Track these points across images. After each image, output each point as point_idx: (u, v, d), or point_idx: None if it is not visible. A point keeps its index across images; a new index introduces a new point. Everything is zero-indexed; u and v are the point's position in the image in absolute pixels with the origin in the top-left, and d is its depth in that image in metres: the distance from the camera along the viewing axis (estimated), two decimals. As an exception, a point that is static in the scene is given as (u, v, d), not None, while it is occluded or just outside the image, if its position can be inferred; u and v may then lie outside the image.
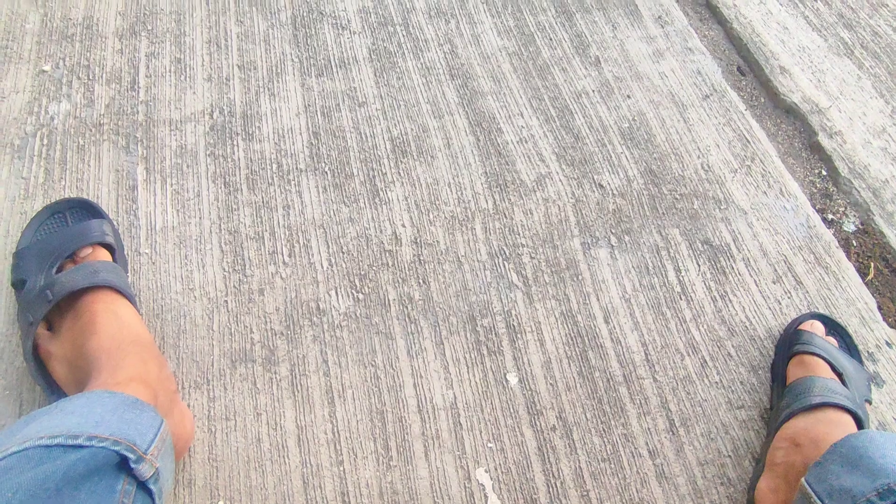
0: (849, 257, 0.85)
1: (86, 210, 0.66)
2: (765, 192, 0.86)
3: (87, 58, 0.83)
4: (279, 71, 0.85)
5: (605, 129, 0.87)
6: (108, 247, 0.63)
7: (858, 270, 0.83)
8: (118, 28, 0.87)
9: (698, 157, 0.87)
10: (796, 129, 0.97)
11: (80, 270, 0.57)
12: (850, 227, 0.89)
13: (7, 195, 0.70)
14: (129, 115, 0.78)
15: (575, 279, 0.73)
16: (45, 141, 0.75)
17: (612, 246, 0.77)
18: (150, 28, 0.87)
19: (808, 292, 0.78)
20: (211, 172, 0.75)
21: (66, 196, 0.70)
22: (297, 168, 0.76)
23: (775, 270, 0.79)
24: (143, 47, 0.85)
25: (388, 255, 0.72)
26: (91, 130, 0.76)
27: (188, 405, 0.59)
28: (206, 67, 0.84)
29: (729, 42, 1.06)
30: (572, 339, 0.69)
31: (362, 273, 0.70)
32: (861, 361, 0.72)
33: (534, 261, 0.74)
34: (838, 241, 0.85)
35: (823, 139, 0.96)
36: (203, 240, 0.70)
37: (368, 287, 0.69)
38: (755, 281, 0.78)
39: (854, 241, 0.88)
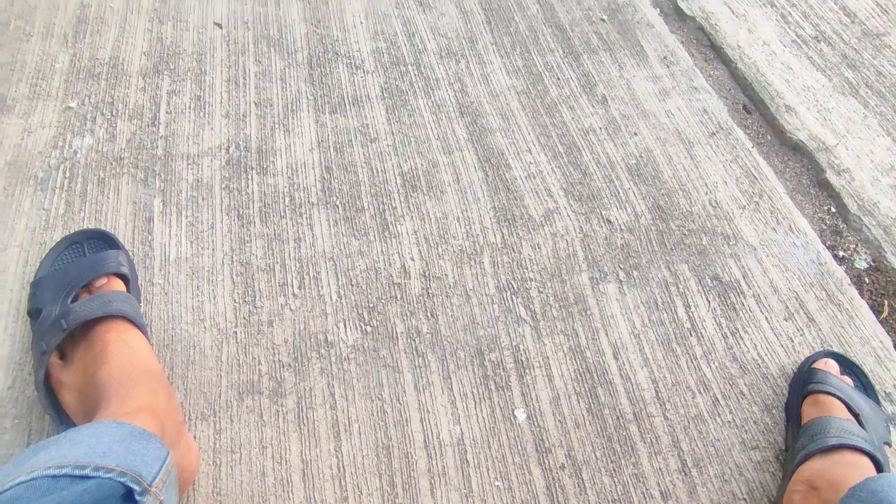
0: (862, 295, 0.84)
1: (103, 241, 0.67)
2: (774, 229, 0.86)
3: (111, 95, 0.86)
4: (294, 108, 0.88)
5: (612, 166, 0.88)
6: (123, 277, 0.64)
7: (872, 308, 0.82)
8: (142, 67, 0.90)
9: (706, 193, 0.88)
10: (804, 166, 0.98)
11: (95, 300, 0.58)
12: (861, 264, 0.88)
13: (28, 226, 0.72)
14: (148, 149, 0.81)
15: (583, 314, 0.73)
16: (68, 174, 0.77)
17: (621, 281, 0.77)
18: (172, 67, 0.91)
19: (821, 330, 0.77)
20: (225, 205, 0.77)
21: (85, 227, 0.72)
22: (308, 201, 0.78)
23: (787, 307, 0.78)
24: (165, 85, 0.88)
25: (396, 287, 0.72)
26: (112, 164, 0.79)
27: (194, 437, 0.59)
28: (225, 104, 0.87)
29: (734, 81, 1.08)
30: (581, 375, 0.69)
31: (371, 306, 0.70)
32: (878, 402, 0.71)
33: (542, 295, 0.74)
34: (850, 278, 0.84)
35: (832, 176, 0.96)
36: (215, 271, 0.71)
37: (377, 320, 0.69)
38: (766, 318, 0.77)
39: (867, 279, 0.87)
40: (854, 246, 0.90)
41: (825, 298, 0.80)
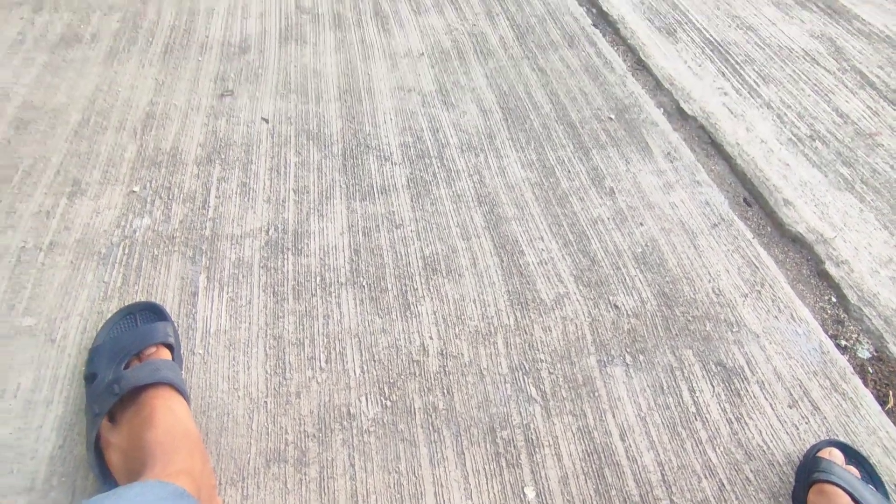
0: (866, 384, 0.86)
1: (153, 312, 0.75)
2: (776, 317, 0.90)
3: (169, 181, 0.97)
4: (328, 195, 0.98)
5: (619, 254, 0.95)
6: (170, 346, 0.71)
7: (877, 398, 0.84)
8: (197, 156, 1.02)
9: (709, 281, 0.93)
10: (803, 257, 1.03)
11: (144, 368, 0.65)
12: (864, 353, 0.91)
13: (89, 296, 0.80)
14: (198, 230, 0.90)
15: (591, 396, 0.77)
16: (126, 251, 0.86)
17: (628, 364, 0.81)
18: (223, 157, 1.03)
19: (825, 418, 0.79)
20: (262, 283, 0.84)
21: (138, 299, 0.80)
22: (338, 281, 0.85)
23: (791, 395, 0.81)
24: (216, 172, 1.00)
25: (415, 365, 0.77)
26: (165, 242, 0.88)
27: (223, 501, 0.63)
28: (267, 190, 0.98)
29: (734, 176, 1.16)
30: (589, 456, 0.72)
31: (391, 381, 0.75)
32: (887, 495, 0.72)
33: (552, 376, 0.79)
34: (853, 368, 0.87)
35: (831, 268, 1.01)
36: (250, 343, 0.77)
37: (396, 395, 0.74)
38: (771, 404, 0.79)
39: (870, 368, 0.89)
40: (856, 336, 0.93)
41: (829, 387, 0.83)
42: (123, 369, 0.65)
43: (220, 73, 1.19)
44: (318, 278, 0.86)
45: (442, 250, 0.91)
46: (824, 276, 1.01)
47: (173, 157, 1.01)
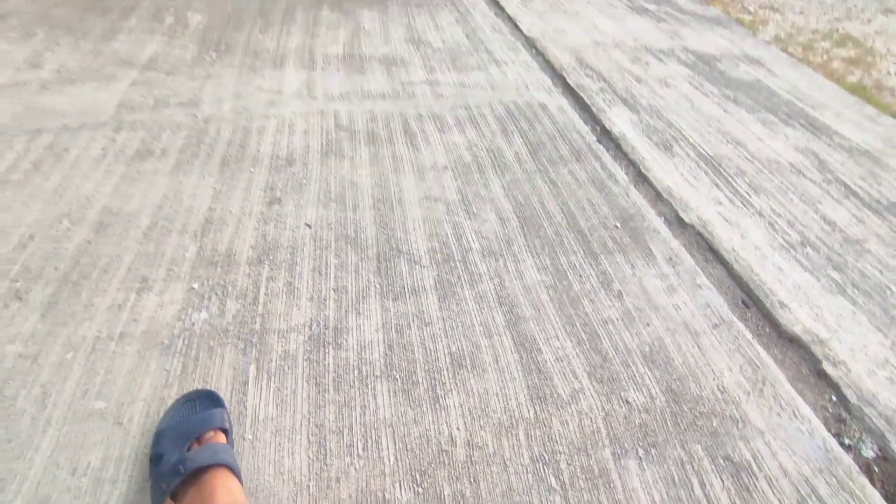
0: (873, 484, 0.90)
1: (210, 399, 0.84)
2: (778, 414, 0.96)
3: (224, 279, 1.10)
4: (365, 295, 1.09)
5: (628, 352, 1.03)
6: (225, 430, 0.79)
7: (886, 498, 0.88)
8: (249, 257, 1.15)
9: (713, 379, 1.01)
10: (801, 357, 1.10)
11: (205, 451, 0.73)
12: (868, 452, 0.96)
13: (152, 383, 0.89)
14: (248, 324, 1.01)
15: (607, 486, 0.83)
16: (186, 342, 0.97)
17: (640, 458, 0.87)
18: (271, 258, 1.16)
19: (833, 516, 0.83)
20: (306, 374, 0.94)
21: (195, 387, 0.89)
22: (373, 374, 0.94)
23: (798, 491, 0.85)
24: (266, 272, 1.12)
25: (444, 454, 0.84)
26: (219, 335, 0.99)
27: (268, 582, 0.68)
28: (310, 289, 1.09)
29: (732, 280, 1.26)
30: (607, 547, 0.76)
31: (422, 469, 0.82)
32: None
33: (570, 467, 0.85)
34: (859, 467, 0.91)
35: (828, 367, 1.08)
36: (294, 430, 0.85)
37: (427, 482, 0.80)
38: (779, 500, 0.84)
39: (876, 468, 0.94)
40: (859, 435, 0.98)
41: (836, 485, 0.87)
42: (187, 451, 0.73)
43: (270, 183, 1.36)
44: (356, 371, 0.95)
45: (467, 347, 1.00)
46: (823, 375, 1.07)
47: (228, 258, 1.15)
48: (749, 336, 1.10)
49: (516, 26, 2.39)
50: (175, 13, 2.17)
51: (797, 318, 1.17)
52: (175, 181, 1.33)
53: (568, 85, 1.96)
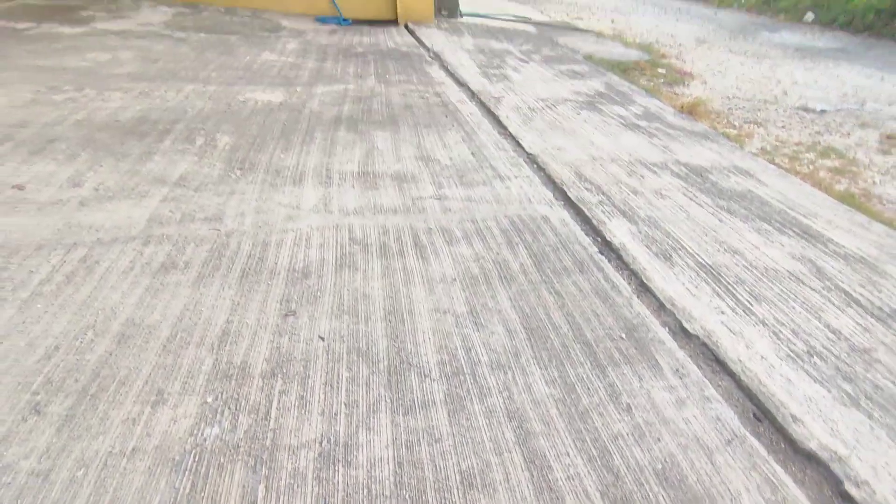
0: None
1: (217, 523, 0.83)
2: (802, 541, 0.93)
3: (238, 392, 1.12)
4: (375, 409, 1.10)
5: (640, 469, 1.02)
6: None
7: None
8: (262, 370, 1.18)
9: (731, 500, 0.98)
10: (822, 475, 1.08)
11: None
12: (902, 584, 0.91)
13: (161, 501, 0.89)
14: (260, 440, 1.02)
15: None
16: (196, 458, 0.97)
17: (660, 589, 0.83)
18: (284, 371, 1.18)
19: None
20: (315, 493, 0.93)
21: (203, 509, 0.88)
22: (383, 494, 0.93)
23: None
24: (278, 386, 1.14)
25: (454, 584, 0.81)
26: (230, 451, 0.99)
27: None
28: (321, 404, 1.11)
29: (741, 391, 1.26)
30: None
31: None
32: None
33: None
34: None
35: (851, 488, 1.05)
36: (301, 557, 0.83)
37: None
38: None
39: None
40: (890, 563, 0.93)
41: None
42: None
43: (285, 296, 1.42)
44: (366, 490, 0.94)
45: (477, 465, 1.00)
46: (847, 497, 1.04)
47: (242, 371, 1.17)
48: (764, 453, 1.09)
49: (518, 144, 2.59)
50: (205, 135, 2.38)
51: (812, 433, 1.16)
52: (196, 293, 1.40)
53: (569, 198, 2.08)
